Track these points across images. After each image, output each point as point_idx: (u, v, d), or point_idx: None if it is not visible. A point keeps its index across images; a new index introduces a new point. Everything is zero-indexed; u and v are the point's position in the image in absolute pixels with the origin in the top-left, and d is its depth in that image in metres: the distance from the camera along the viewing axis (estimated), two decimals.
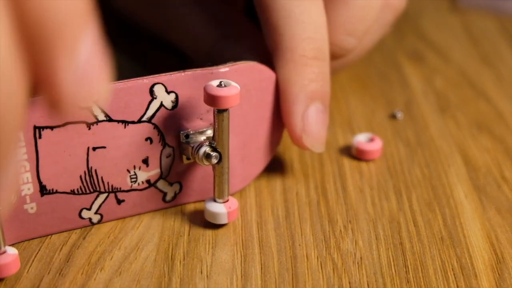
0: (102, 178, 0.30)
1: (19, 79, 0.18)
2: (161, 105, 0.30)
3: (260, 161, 0.33)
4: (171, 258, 0.29)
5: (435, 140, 0.37)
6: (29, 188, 0.28)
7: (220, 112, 0.29)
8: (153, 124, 0.30)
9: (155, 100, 0.29)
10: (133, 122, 0.29)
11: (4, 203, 0.19)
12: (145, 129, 0.30)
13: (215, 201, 0.31)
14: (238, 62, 0.30)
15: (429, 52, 0.46)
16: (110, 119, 0.29)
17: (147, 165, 0.30)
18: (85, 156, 0.29)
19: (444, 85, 0.42)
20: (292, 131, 0.32)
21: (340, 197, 0.33)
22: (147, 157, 0.30)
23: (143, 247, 0.30)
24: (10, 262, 0.27)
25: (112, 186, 0.30)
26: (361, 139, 0.36)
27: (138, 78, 0.29)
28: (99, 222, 0.31)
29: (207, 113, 0.30)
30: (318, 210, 0.32)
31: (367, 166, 0.35)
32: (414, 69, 0.44)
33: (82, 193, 0.30)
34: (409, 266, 0.29)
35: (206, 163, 0.30)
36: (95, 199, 0.30)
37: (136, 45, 0.43)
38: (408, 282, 0.28)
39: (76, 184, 0.29)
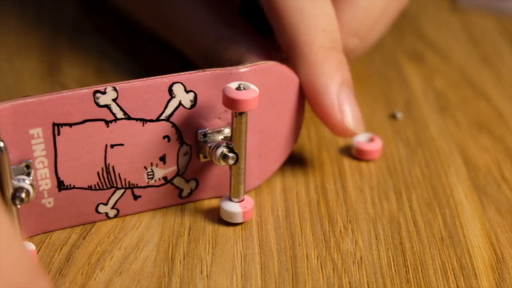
0: (119, 174, 0.30)
1: None
2: (180, 104, 0.30)
3: (277, 159, 0.33)
4: (171, 258, 0.29)
5: (435, 140, 0.37)
6: (47, 183, 0.29)
7: (239, 114, 0.29)
8: (171, 122, 0.30)
9: (173, 99, 0.30)
10: (151, 121, 0.30)
11: None
12: (163, 128, 0.30)
13: (230, 200, 0.31)
14: (257, 63, 0.31)
15: (429, 52, 0.46)
16: (128, 117, 0.29)
17: (164, 163, 0.31)
18: (103, 153, 0.29)
19: (444, 85, 0.42)
20: (333, 120, 0.32)
21: (340, 197, 0.33)
22: (164, 155, 0.31)
23: (143, 247, 0.30)
24: None
25: (129, 182, 0.30)
26: (361, 139, 0.36)
27: (157, 76, 0.29)
28: (115, 216, 0.31)
29: (225, 112, 0.31)
30: (318, 210, 0.32)
31: (367, 166, 0.35)
32: (414, 69, 0.44)
33: (99, 189, 0.30)
34: (409, 266, 0.29)
35: (223, 163, 0.30)
36: (112, 194, 0.30)
37: (136, 45, 0.43)
38: (408, 282, 0.28)
39: (93, 180, 0.30)
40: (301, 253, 0.30)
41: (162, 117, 0.30)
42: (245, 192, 0.31)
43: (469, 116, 0.39)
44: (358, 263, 0.29)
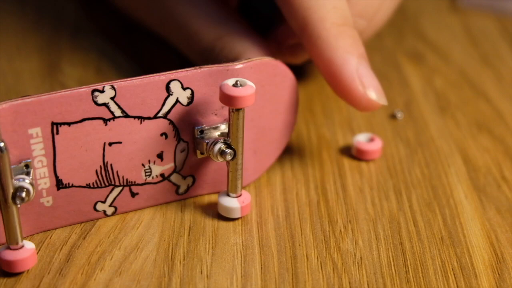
0: (117, 172, 0.30)
1: None
2: (177, 101, 0.30)
3: (272, 154, 0.34)
4: (171, 258, 0.29)
5: (435, 140, 0.37)
6: (45, 182, 0.29)
7: (236, 110, 0.29)
8: (168, 119, 0.30)
9: (171, 96, 0.30)
10: (149, 118, 0.30)
11: None
12: (161, 125, 0.30)
13: (228, 195, 0.31)
14: (253, 59, 0.31)
15: (429, 52, 0.46)
16: (126, 115, 0.29)
17: (162, 160, 0.31)
18: (101, 151, 0.30)
19: (444, 85, 0.42)
20: (355, 94, 0.32)
21: (340, 197, 0.33)
22: (162, 152, 0.31)
23: (143, 247, 0.30)
24: (28, 257, 0.28)
25: (127, 180, 0.31)
26: (361, 139, 0.36)
27: (154, 74, 0.30)
28: (113, 214, 0.31)
29: (222, 109, 0.31)
30: (318, 210, 0.32)
31: (367, 166, 0.35)
32: (414, 69, 0.44)
33: (98, 187, 0.30)
34: (409, 266, 0.29)
35: (220, 159, 0.30)
36: (110, 192, 0.31)
37: (135, 45, 0.43)
38: (408, 282, 0.28)
39: (91, 178, 0.30)
40: (301, 253, 0.30)
41: (160, 114, 0.30)
42: (242, 188, 0.31)
43: (469, 116, 0.39)
44: (358, 263, 0.29)
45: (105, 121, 0.29)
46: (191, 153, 0.31)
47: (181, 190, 0.32)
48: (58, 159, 0.29)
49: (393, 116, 0.39)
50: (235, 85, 0.29)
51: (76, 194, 0.30)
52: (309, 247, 0.30)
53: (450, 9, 0.51)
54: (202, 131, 0.31)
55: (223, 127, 0.31)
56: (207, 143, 0.31)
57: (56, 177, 0.29)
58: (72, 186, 0.30)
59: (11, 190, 0.27)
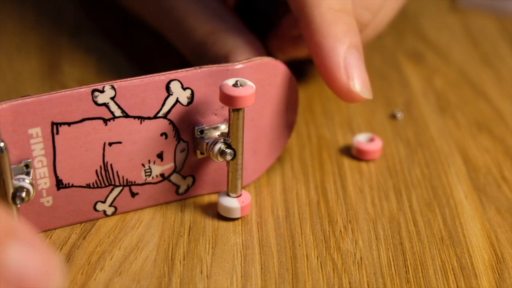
0: (117, 172, 0.30)
1: None
2: (177, 101, 0.30)
3: (272, 154, 0.34)
4: (171, 258, 0.29)
5: (435, 140, 0.37)
6: (45, 182, 0.29)
7: (236, 110, 0.29)
8: (168, 119, 0.30)
9: (171, 96, 0.30)
10: (149, 118, 0.30)
11: None
12: (161, 125, 0.30)
13: (228, 195, 0.31)
14: (253, 58, 0.31)
15: (429, 52, 0.46)
16: (126, 115, 0.29)
17: (162, 160, 0.31)
18: (101, 151, 0.30)
19: (444, 85, 0.42)
20: (337, 82, 0.31)
21: (340, 197, 0.33)
22: (162, 152, 0.31)
23: (143, 247, 0.30)
24: None
25: (127, 180, 0.31)
26: (361, 139, 0.36)
27: (154, 74, 0.30)
28: (113, 214, 0.31)
29: (222, 109, 0.31)
30: (318, 210, 0.32)
31: (367, 166, 0.35)
32: (414, 69, 0.44)
33: (98, 187, 0.30)
34: (409, 266, 0.29)
35: (220, 159, 0.30)
36: (110, 192, 0.31)
37: (136, 45, 0.43)
38: (408, 282, 0.28)
39: (91, 178, 0.30)
40: (301, 253, 0.30)
41: (160, 114, 0.30)
42: (242, 188, 0.31)
43: (469, 116, 0.39)
44: (358, 263, 0.29)
45: (105, 121, 0.29)
46: (191, 153, 0.31)
47: (181, 190, 0.32)
48: (58, 159, 0.29)
49: (393, 116, 0.39)
50: (235, 85, 0.29)
51: (76, 194, 0.30)
52: (309, 247, 0.30)
53: (450, 9, 0.51)
54: (202, 131, 0.31)
55: (223, 127, 0.31)
56: (207, 143, 0.31)
57: (56, 177, 0.29)
58: (72, 186, 0.30)
59: (11, 190, 0.27)
